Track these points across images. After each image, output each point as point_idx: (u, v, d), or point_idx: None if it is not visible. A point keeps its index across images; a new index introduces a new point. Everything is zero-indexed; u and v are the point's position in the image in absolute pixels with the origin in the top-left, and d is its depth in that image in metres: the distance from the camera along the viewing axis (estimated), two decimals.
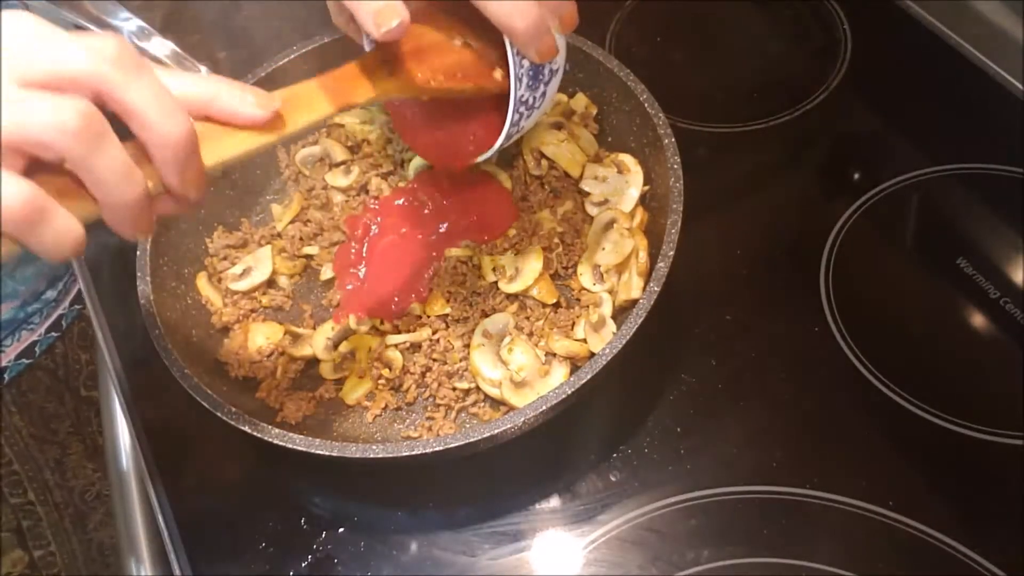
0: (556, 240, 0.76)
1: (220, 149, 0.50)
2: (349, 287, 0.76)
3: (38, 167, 0.44)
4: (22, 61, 0.43)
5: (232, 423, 0.63)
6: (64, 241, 0.44)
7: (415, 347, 0.73)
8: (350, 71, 0.60)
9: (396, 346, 0.73)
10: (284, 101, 0.53)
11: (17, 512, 0.96)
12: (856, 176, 0.84)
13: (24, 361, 0.91)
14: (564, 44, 0.63)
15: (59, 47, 0.44)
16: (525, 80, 0.61)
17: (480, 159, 0.69)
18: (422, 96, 0.64)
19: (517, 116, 0.63)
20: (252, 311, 0.77)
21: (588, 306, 0.72)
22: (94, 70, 0.44)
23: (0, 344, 0.89)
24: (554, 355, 0.70)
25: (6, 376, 0.90)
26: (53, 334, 0.94)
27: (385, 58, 0.61)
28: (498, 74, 0.64)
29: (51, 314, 0.93)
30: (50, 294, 0.92)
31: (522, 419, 0.60)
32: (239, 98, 0.50)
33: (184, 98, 0.48)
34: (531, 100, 0.64)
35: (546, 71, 0.63)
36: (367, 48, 0.67)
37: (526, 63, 0.61)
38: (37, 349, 0.92)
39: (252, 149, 0.51)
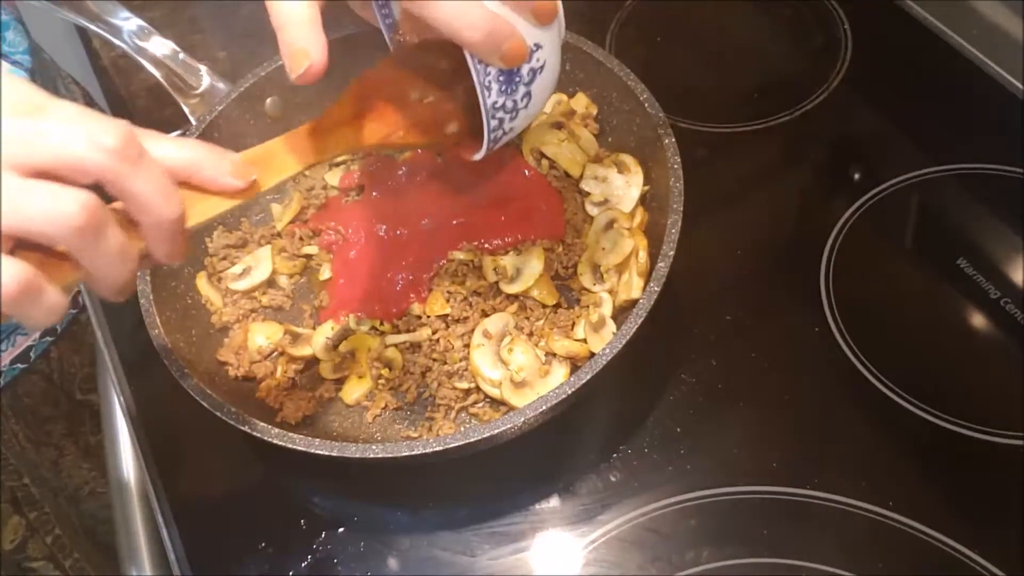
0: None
1: (198, 213, 0.51)
2: (341, 281, 0.76)
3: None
4: (21, 147, 0.42)
5: (232, 423, 0.63)
6: (53, 313, 0.44)
7: (415, 347, 0.73)
8: (314, 128, 0.61)
9: (396, 346, 0.73)
10: (255, 163, 0.55)
11: (13, 490, 0.96)
12: (856, 176, 0.84)
13: (19, 366, 0.91)
14: (554, 35, 0.60)
15: (60, 135, 0.43)
16: (495, 87, 0.58)
17: (476, 158, 0.69)
18: (383, 150, 0.65)
19: (496, 122, 0.61)
20: (252, 311, 0.77)
21: (588, 306, 0.72)
22: (97, 161, 0.44)
23: None
24: (554, 355, 0.70)
25: (2, 381, 0.90)
26: (48, 338, 0.94)
27: (346, 115, 0.63)
28: (452, 127, 0.64)
29: None
30: None
31: (522, 419, 0.60)
32: (218, 167, 0.51)
33: (168, 166, 0.48)
34: (511, 104, 0.61)
35: (524, 71, 0.60)
36: (389, 43, 0.68)
37: (492, 70, 0.58)
38: (32, 354, 0.92)
39: (225, 211, 0.53)
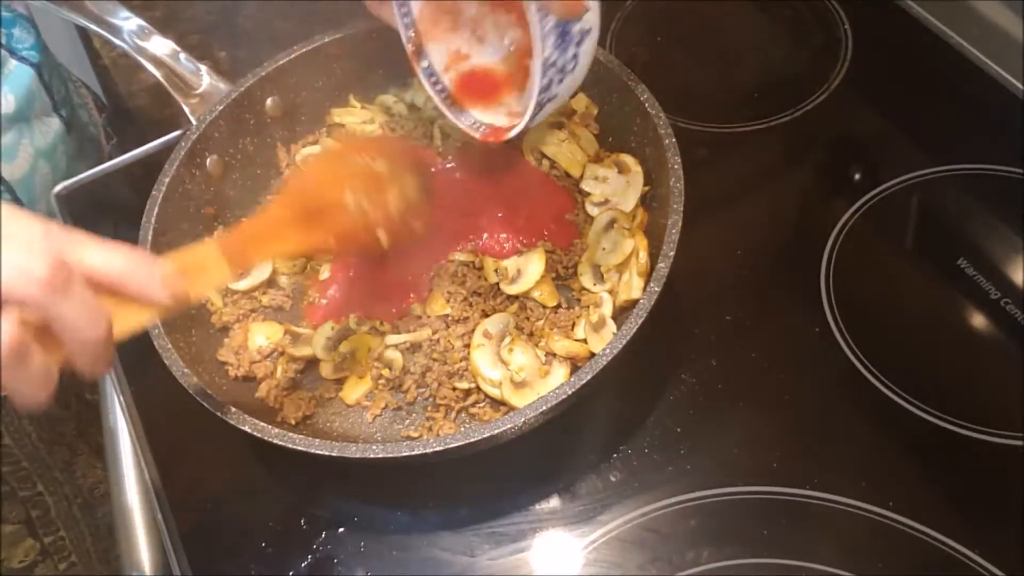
0: None
1: (123, 325, 0.51)
2: (331, 292, 0.77)
3: None
4: None
5: (232, 423, 0.63)
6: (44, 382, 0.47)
7: (415, 347, 0.73)
8: (245, 233, 0.61)
9: (396, 346, 0.73)
10: (186, 272, 0.54)
11: (26, 504, 0.96)
12: (857, 176, 0.84)
13: None
14: (597, 3, 0.61)
15: None
16: (551, 40, 0.58)
17: (516, 131, 0.68)
18: (314, 255, 0.68)
19: (547, 81, 0.61)
20: (252, 311, 0.77)
21: (588, 306, 0.72)
22: (25, 293, 0.44)
23: None
24: (554, 355, 0.70)
25: None
26: None
27: (278, 219, 0.63)
28: (383, 235, 0.66)
29: None
30: None
31: (522, 419, 0.60)
32: (148, 279, 0.51)
33: (99, 275, 0.49)
34: (561, 63, 0.61)
35: (575, 30, 0.60)
36: (405, 41, 0.68)
37: (551, 20, 0.57)
38: None
39: (152, 320, 0.54)
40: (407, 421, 0.71)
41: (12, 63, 0.86)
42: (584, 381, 0.61)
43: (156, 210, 0.73)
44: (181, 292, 0.53)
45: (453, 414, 0.70)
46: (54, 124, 0.91)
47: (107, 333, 0.48)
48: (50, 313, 0.46)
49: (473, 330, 0.72)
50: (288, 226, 0.63)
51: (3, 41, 0.86)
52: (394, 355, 0.72)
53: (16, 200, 0.87)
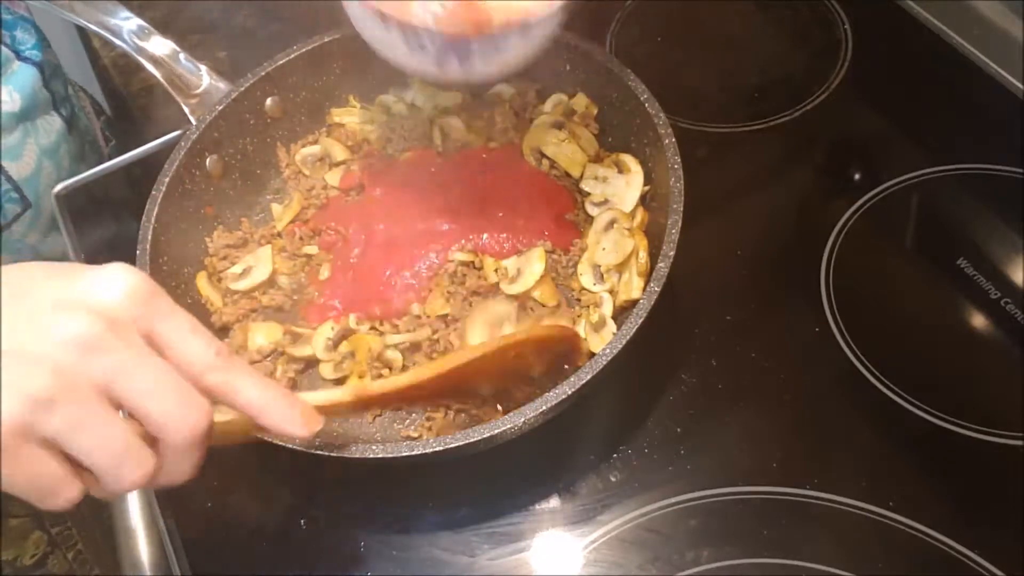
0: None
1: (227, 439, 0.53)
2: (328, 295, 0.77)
3: None
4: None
5: None
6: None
7: (415, 347, 0.73)
8: (381, 390, 0.61)
9: (396, 346, 0.73)
10: (321, 407, 0.55)
11: None
12: (856, 176, 0.84)
13: None
14: None
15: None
16: None
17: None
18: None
19: None
20: (252, 311, 0.77)
21: (588, 306, 0.72)
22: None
23: None
24: None
25: None
26: None
27: (415, 389, 0.62)
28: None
29: None
30: None
31: (522, 419, 0.60)
32: (288, 416, 0.51)
33: (243, 406, 0.49)
34: None
35: None
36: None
37: None
38: None
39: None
40: (407, 421, 0.71)
41: (16, 63, 0.86)
42: (584, 381, 0.60)
43: (156, 210, 0.73)
44: (317, 429, 0.53)
45: (453, 414, 0.70)
46: (56, 123, 0.91)
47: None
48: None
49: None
50: (422, 394, 0.63)
51: (7, 43, 0.86)
52: (394, 355, 0.72)
53: (23, 199, 0.87)
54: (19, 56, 0.87)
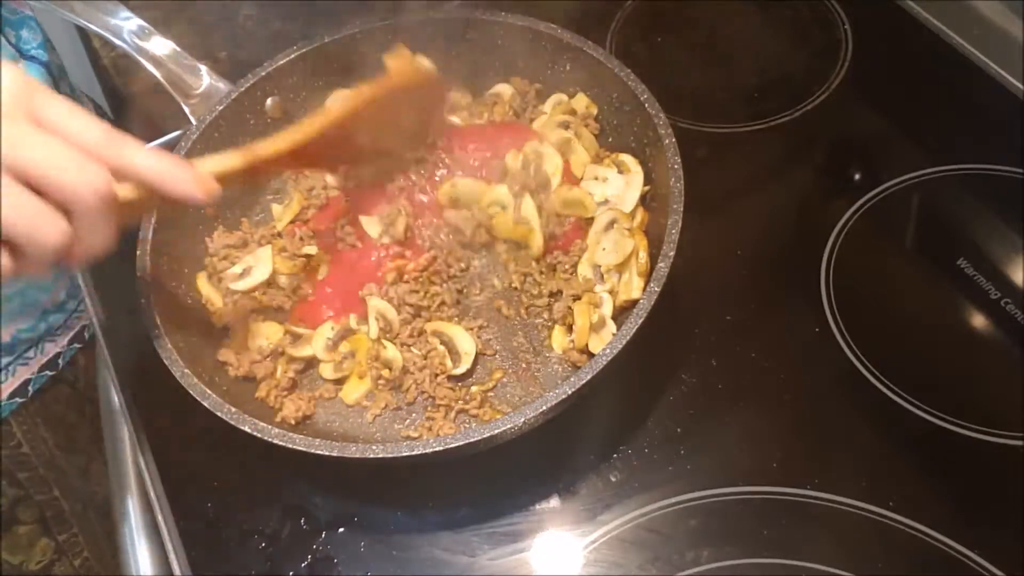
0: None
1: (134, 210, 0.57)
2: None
3: None
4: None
5: (232, 423, 0.63)
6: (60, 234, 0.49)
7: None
8: (267, 150, 0.65)
9: (396, 345, 0.73)
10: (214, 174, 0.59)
11: (41, 506, 0.97)
12: (856, 176, 0.84)
13: (47, 373, 0.91)
14: None
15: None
16: None
17: None
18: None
19: None
20: (252, 311, 0.77)
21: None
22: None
23: (25, 357, 0.89)
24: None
25: (31, 388, 0.90)
26: (76, 345, 0.94)
27: (296, 145, 0.66)
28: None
29: (73, 325, 0.93)
30: (71, 304, 0.93)
31: (522, 419, 0.60)
32: (185, 178, 0.55)
33: (140, 174, 0.53)
34: None
35: None
36: None
37: None
38: (60, 361, 0.93)
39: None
40: (407, 421, 0.71)
41: (22, 63, 0.86)
42: (584, 381, 0.60)
43: (156, 210, 0.73)
44: (215, 193, 0.57)
45: (453, 414, 0.70)
46: None
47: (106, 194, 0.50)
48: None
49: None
50: (309, 155, 0.67)
51: (12, 42, 0.86)
52: (394, 355, 0.72)
53: None
54: (24, 55, 0.87)
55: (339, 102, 0.70)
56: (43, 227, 0.49)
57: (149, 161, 0.53)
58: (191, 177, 0.55)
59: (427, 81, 0.74)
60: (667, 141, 0.72)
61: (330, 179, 0.83)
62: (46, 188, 0.49)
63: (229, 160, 0.62)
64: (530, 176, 0.75)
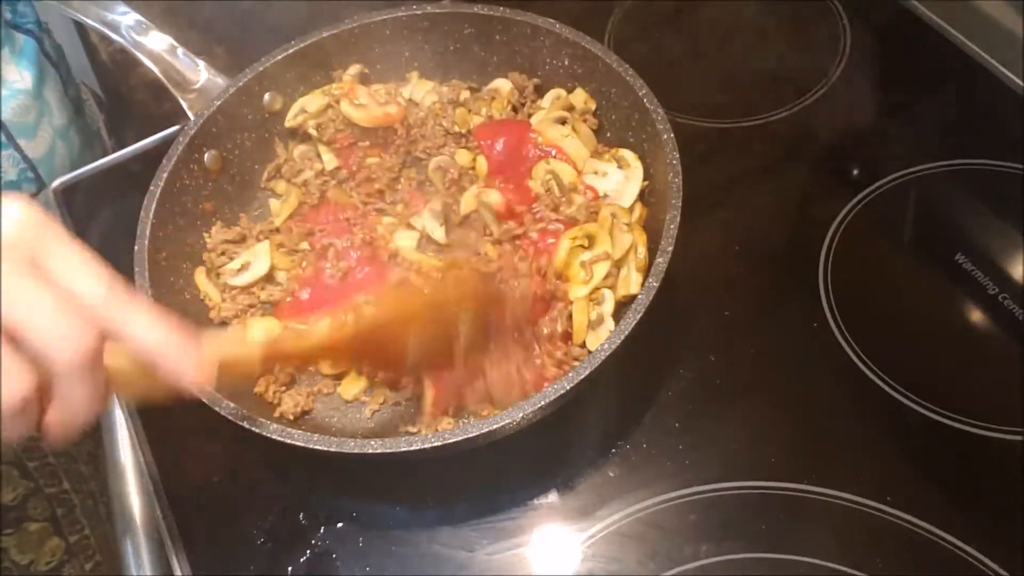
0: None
1: (127, 389, 0.51)
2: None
3: None
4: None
5: (231, 418, 0.63)
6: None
7: None
8: (293, 345, 0.60)
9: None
10: (224, 361, 0.53)
11: (51, 501, 0.96)
12: (855, 172, 0.84)
13: None
14: None
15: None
16: None
17: None
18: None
19: None
20: (250, 306, 0.77)
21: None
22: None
23: None
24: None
25: None
26: None
27: (327, 343, 0.61)
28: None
29: None
30: None
31: (520, 415, 0.60)
32: (182, 361, 0.49)
33: (135, 343, 0.47)
34: None
35: None
36: None
37: None
38: None
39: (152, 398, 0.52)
40: (405, 417, 0.71)
41: (20, 37, 0.86)
42: (582, 376, 0.60)
43: (154, 205, 0.73)
44: (209, 383, 0.51)
45: (451, 411, 0.70)
46: (66, 102, 0.91)
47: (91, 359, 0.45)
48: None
49: None
50: (334, 349, 0.62)
51: (8, 17, 0.85)
52: None
53: (38, 179, 0.87)
54: (19, 28, 0.86)
55: (384, 304, 0.63)
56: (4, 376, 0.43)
57: (149, 332, 0.47)
58: (192, 361, 0.48)
59: (487, 287, 0.66)
60: (665, 136, 0.72)
61: (327, 162, 0.83)
62: (20, 338, 0.43)
63: (247, 349, 0.56)
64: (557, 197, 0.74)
